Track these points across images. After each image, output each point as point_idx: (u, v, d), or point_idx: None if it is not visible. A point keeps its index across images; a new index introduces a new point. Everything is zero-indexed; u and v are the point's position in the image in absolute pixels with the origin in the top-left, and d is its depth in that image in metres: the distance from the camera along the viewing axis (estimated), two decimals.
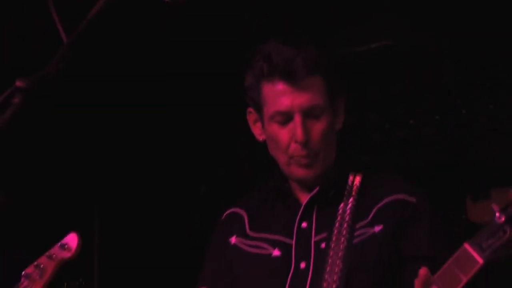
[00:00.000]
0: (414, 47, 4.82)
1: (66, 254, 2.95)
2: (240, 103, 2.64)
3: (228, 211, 2.68)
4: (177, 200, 5.52)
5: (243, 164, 5.50)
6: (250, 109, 2.58)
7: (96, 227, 5.24)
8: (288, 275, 2.42)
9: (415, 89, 5.07)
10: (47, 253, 2.96)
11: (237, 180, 5.42)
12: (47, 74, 1.77)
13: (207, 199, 5.49)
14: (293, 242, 2.47)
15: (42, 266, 2.94)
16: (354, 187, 2.50)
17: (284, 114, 2.43)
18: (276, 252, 2.48)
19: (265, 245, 2.51)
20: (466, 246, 2.02)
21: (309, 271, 2.40)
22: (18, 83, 1.73)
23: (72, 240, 2.96)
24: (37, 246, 3.24)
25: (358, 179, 2.52)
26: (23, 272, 2.98)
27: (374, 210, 2.45)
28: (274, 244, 2.50)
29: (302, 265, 2.42)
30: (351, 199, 2.47)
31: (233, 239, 2.59)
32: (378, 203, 2.46)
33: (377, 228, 2.41)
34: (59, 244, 2.96)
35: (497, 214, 2.02)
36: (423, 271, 2.07)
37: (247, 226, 2.59)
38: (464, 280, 2.00)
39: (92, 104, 4.81)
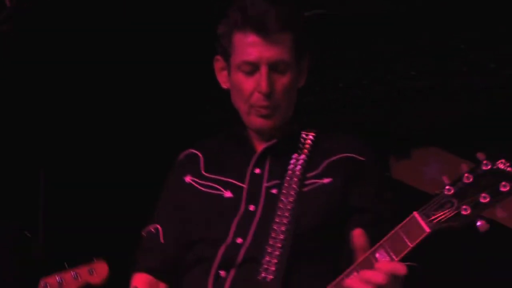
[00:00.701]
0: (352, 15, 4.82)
1: (94, 280, 2.93)
2: None
3: (185, 152, 2.67)
4: (121, 162, 5.51)
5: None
6: (218, 57, 2.57)
7: (42, 189, 5.22)
8: (236, 217, 2.44)
9: (350, 56, 5.19)
10: (73, 272, 2.93)
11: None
12: None
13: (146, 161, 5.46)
14: (245, 186, 2.50)
15: (64, 282, 2.93)
16: (308, 142, 2.52)
17: (252, 65, 2.42)
18: (228, 194, 2.49)
19: (218, 186, 2.51)
20: (415, 214, 2.05)
21: (257, 213, 2.43)
22: None
23: (102, 268, 2.94)
24: None
25: (311, 135, 2.54)
26: (42, 281, 2.97)
27: (324, 164, 2.47)
28: (227, 186, 2.51)
29: (251, 207, 2.45)
30: (304, 151, 2.50)
31: (188, 178, 2.58)
32: (329, 158, 2.48)
33: (326, 180, 2.44)
34: (88, 267, 2.94)
35: (447, 187, 2.02)
36: (358, 231, 2.12)
37: (202, 167, 2.58)
38: (410, 246, 2.04)
39: (41, 65, 4.77)
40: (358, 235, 2.12)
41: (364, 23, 4.89)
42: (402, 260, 2.05)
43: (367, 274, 2.05)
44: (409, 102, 5.27)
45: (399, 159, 5.56)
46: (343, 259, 2.31)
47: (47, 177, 5.27)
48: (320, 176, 2.46)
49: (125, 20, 4.76)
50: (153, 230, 2.60)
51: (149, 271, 2.56)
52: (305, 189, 2.43)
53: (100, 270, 2.93)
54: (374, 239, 2.16)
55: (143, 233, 2.63)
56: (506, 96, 5.13)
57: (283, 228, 2.37)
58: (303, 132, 2.56)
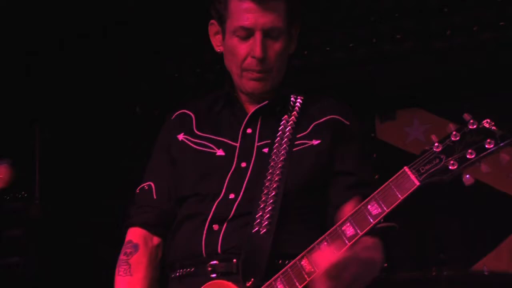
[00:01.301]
0: None
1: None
2: None
3: (177, 112, 2.67)
4: (113, 120, 5.50)
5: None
6: (213, 21, 2.58)
7: (37, 144, 5.20)
8: (228, 173, 2.47)
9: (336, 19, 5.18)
10: None
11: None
12: None
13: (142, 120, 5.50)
14: (238, 145, 2.51)
15: None
16: (297, 105, 2.55)
17: (246, 30, 2.43)
18: (220, 152, 2.51)
19: (210, 145, 2.53)
20: (406, 169, 2.08)
21: (248, 169, 2.46)
22: None
23: (3, 172, 2.94)
24: None
25: (300, 98, 2.57)
26: None
27: (312, 125, 2.50)
28: (219, 145, 2.52)
29: (243, 164, 2.46)
30: (293, 114, 2.53)
31: (180, 136, 2.58)
32: (317, 120, 2.51)
33: (315, 142, 2.47)
34: None
35: (436, 144, 2.07)
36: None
37: (194, 126, 2.59)
38: (400, 198, 2.08)
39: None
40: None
41: None
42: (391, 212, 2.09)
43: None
44: (393, 63, 5.28)
45: (384, 120, 5.57)
46: (328, 217, 2.36)
47: (42, 133, 5.27)
48: (309, 137, 2.50)
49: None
50: (146, 187, 2.61)
51: (143, 225, 2.57)
52: (295, 149, 2.47)
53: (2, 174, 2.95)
54: (353, 195, 2.22)
55: (137, 190, 2.64)
56: (485, 57, 5.15)
57: (274, 185, 2.40)
58: (292, 96, 2.59)
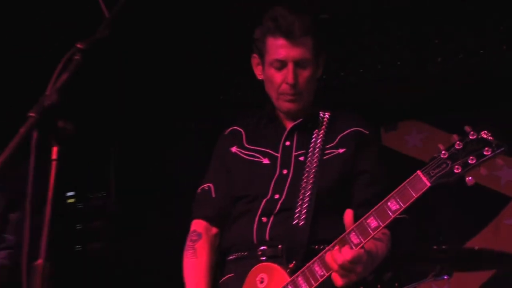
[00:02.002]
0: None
1: None
2: None
3: (229, 129, 2.70)
4: (172, 134, 5.53)
5: None
6: (255, 55, 2.59)
7: (114, 154, 5.27)
8: (273, 177, 2.47)
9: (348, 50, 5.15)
10: None
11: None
12: (97, 39, 1.82)
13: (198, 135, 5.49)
14: (279, 155, 2.51)
15: None
16: (325, 120, 2.56)
17: (281, 62, 2.45)
18: (266, 161, 2.53)
19: (258, 155, 2.55)
20: (419, 172, 2.09)
21: (289, 175, 2.48)
22: (78, 45, 1.76)
23: None
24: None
25: (328, 114, 2.58)
26: None
27: (339, 137, 2.52)
28: (265, 155, 2.53)
29: (285, 171, 2.48)
30: (322, 128, 2.54)
31: (233, 149, 2.60)
32: (342, 132, 2.53)
33: (341, 150, 2.49)
34: None
35: (443, 152, 2.08)
36: (349, 212, 2.17)
37: (244, 140, 2.60)
38: (415, 196, 2.10)
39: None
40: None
41: (357, 24, 4.90)
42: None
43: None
44: (395, 85, 5.23)
45: (388, 130, 5.54)
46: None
47: (117, 150, 5.32)
48: (336, 147, 2.50)
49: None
50: (206, 187, 2.63)
51: (204, 218, 2.60)
52: (325, 157, 2.48)
53: None
54: (373, 193, 2.29)
55: (198, 190, 2.66)
56: (470, 79, 5.09)
57: (309, 187, 2.42)
58: (321, 112, 2.59)
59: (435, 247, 3.60)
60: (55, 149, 1.70)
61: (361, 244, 2.15)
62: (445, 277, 3.69)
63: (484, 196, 5.02)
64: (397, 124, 5.55)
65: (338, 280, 2.16)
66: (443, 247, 3.56)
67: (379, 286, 4.60)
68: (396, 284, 4.16)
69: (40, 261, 1.60)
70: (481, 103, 5.06)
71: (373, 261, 2.30)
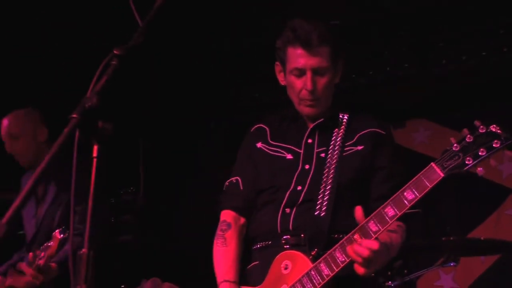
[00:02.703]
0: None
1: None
2: None
3: (256, 126, 2.68)
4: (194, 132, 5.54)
5: None
6: (277, 63, 2.56)
7: (141, 152, 5.27)
8: (296, 171, 2.47)
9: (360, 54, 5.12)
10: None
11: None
12: (132, 45, 1.83)
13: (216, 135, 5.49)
14: (302, 151, 2.51)
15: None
16: (344, 120, 2.56)
17: (300, 70, 2.45)
18: (289, 156, 2.51)
19: (281, 151, 2.53)
20: (433, 164, 2.09)
21: (311, 170, 2.46)
22: (115, 51, 1.79)
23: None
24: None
25: (346, 115, 2.58)
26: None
27: (357, 136, 2.52)
28: (288, 151, 2.53)
29: (306, 166, 2.48)
30: (342, 127, 2.54)
31: (259, 144, 2.60)
32: (360, 132, 2.53)
33: (360, 147, 2.49)
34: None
35: (455, 145, 2.07)
36: (358, 208, 2.18)
37: (269, 137, 2.60)
38: (429, 187, 2.08)
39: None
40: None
41: (366, 30, 4.87)
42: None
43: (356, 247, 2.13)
44: (403, 86, 5.19)
45: (396, 128, 5.48)
46: (371, 204, 2.37)
47: (145, 147, 5.32)
48: (355, 144, 2.50)
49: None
50: (234, 180, 2.63)
51: (233, 208, 2.60)
52: (345, 154, 2.48)
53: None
54: (389, 188, 2.26)
55: (226, 183, 2.66)
56: (471, 80, 5.06)
57: (330, 180, 2.43)
58: (340, 114, 2.59)
59: (443, 238, 3.58)
60: (95, 148, 1.72)
61: (379, 232, 2.15)
62: (452, 264, 3.68)
63: (487, 188, 5.01)
64: (405, 123, 5.52)
65: (359, 269, 2.17)
66: (450, 238, 3.54)
67: (389, 273, 4.59)
68: (405, 271, 4.14)
69: (84, 250, 1.63)
70: (482, 102, 5.03)
71: (389, 251, 2.30)
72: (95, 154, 1.72)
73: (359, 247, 2.13)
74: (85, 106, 1.69)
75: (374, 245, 2.12)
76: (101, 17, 4.21)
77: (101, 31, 4.20)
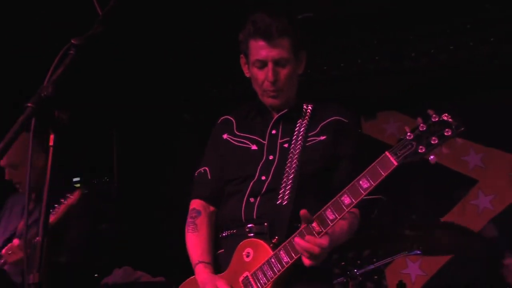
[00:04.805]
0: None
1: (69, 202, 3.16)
2: None
3: (222, 117, 2.68)
4: (168, 123, 5.50)
5: None
6: (242, 56, 2.55)
7: (115, 143, 5.24)
8: (261, 162, 2.47)
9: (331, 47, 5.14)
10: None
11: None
12: (91, 35, 1.80)
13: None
14: (266, 142, 2.51)
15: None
16: (308, 111, 2.56)
17: (262, 62, 2.45)
18: (254, 147, 2.51)
19: (246, 142, 2.54)
20: (387, 153, 2.09)
21: (275, 160, 2.46)
22: (73, 41, 1.76)
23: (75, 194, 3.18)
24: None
25: (310, 106, 2.58)
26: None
27: (320, 125, 2.51)
28: (253, 141, 2.53)
29: (270, 157, 2.48)
30: (306, 118, 2.54)
31: (225, 135, 2.60)
32: (324, 121, 2.52)
33: (322, 137, 2.48)
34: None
35: (408, 133, 2.08)
36: (303, 211, 2.19)
37: (235, 128, 2.60)
38: (383, 175, 2.08)
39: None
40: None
41: (339, 23, 4.86)
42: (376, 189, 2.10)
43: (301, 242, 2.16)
44: (374, 78, 5.22)
45: (367, 119, 5.54)
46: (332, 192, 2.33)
47: (118, 135, 5.30)
48: (317, 135, 2.49)
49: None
50: (202, 170, 2.63)
51: (202, 198, 2.60)
52: (307, 144, 2.47)
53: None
54: (350, 178, 2.20)
55: (195, 173, 2.66)
56: (440, 73, 5.12)
57: (293, 170, 2.42)
58: (305, 104, 2.59)
59: (410, 224, 3.61)
60: (51, 137, 1.70)
61: (336, 220, 2.16)
62: (418, 252, 3.72)
63: (453, 179, 5.07)
64: (376, 114, 5.55)
65: (306, 261, 2.18)
66: (415, 224, 3.58)
67: (358, 261, 4.63)
68: (374, 260, 4.18)
69: (38, 238, 1.61)
70: (451, 94, 5.07)
71: (338, 239, 2.30)
72: (51, 143, 1.70)
73: (308, 245, 2.14)
74: (41, 95, 1.66)
75: (324, 242, 2.15)
76: (61, 7, 4.15)
77: (59, 21, 4.14)
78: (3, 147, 1.61)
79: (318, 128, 2.50)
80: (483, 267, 4.71)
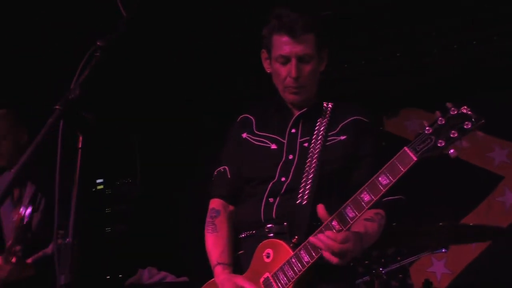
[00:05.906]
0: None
1: None
2: None
3: (241, 116, 2.66)
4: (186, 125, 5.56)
5: None
6: (263, 50, 2.55)
7: (136, 146, 5.32)
8: (280, 162, 2.46)
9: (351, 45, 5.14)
10: None
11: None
12: (115, 36, 1.85)
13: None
14: (285, 141, 2.50)
15: None
16: (328, 110, 2.55)
17: (285, 57, 2.43)
18: (273, 146, 2.50)
19: (266, 141, 2.52)
20: (405, 148, 2.06)
21: (294, 160, 2.45)
22: (98, 43, 1.81)
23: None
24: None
25: (331, 105, 2.57)
26: None
27: (340, 125, 2.50)
28: (272, 140, 2.51)
29: (290, 156, 2.46)
30: (326, 117, 2.53)
31: (244, 134, 2.58)
32: (344, 121, 2.51)
33: (343, 137, 2.47)
34: None
35: (427, 128, 2.04)
36: (320, 206, 2.20)
37: (254, 126, 2.59)
38: (403, 171, 2.05)
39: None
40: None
41: (362, 20, 4.87)
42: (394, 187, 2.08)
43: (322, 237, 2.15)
44: (396, 76, 5.24)
45: (389, 117, 5.54)
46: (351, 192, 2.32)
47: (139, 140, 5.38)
48: (338, 134, 2.49)
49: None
50: (222, 169, 2.63)
51: (221, 197, 2.60)
52: (327, 143, 2.47)
53: None
54: (371, 175, 2.18)
55: (215, 172, 2.66)
56: (459, 71, 5.14)
57: (312, 170, 2.42)
58: (324, 103, 2.57)
59: (440, 224, 3.61)
60: (80, 138, 1.75)
61: (357, 218, 2.13)
62: (443, 250, 3.72)
63: (479, 175, 5.04)
64: (398, 112, 5.54)
65: (331, 258, 2.16)
66: (441, 224, 3.58)
67: (382, 260, 4.64)
68: (398, 258, 4.19)
69: (69, 240, 1.67)
70: (475, 91, 5.03)
71: (362, 240, 2.26)
72: (80, 145, 1.74)
73: (326, 239, 2.13)
74: (68, 98, 1.71)
75: (340, 237, 2.12)
76: (85, 10, 4.19)
77: (85, 24, 4.17)
78: (33, 150, 1.69)
79: (339, 128, 2.49)
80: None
